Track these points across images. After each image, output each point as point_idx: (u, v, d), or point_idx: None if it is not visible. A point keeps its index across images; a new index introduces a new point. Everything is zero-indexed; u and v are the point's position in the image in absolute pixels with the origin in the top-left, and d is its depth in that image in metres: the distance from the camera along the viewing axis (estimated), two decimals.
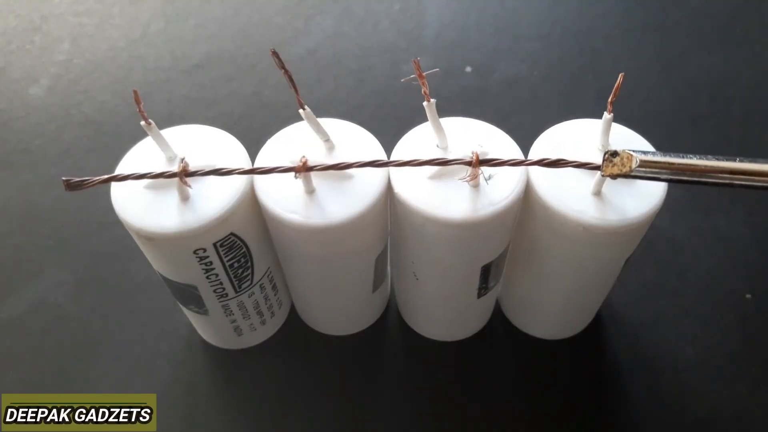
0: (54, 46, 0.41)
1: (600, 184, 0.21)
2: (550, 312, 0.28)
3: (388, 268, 0.28)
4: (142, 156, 0.22)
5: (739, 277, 0.31)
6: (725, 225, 0.33)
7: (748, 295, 0.31)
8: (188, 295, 0.24)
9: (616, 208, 0.21)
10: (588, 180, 0.21)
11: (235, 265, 0.23)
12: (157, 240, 0.20)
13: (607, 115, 0.21)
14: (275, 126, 0.23)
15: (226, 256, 0.22)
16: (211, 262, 0.22)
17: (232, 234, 0.21)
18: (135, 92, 0.20)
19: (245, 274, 0.24)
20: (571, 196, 0.21)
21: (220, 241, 0.21)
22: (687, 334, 0.30)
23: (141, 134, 0.22)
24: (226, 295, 0.24)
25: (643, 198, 0.21)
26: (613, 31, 0.42)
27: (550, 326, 0.29)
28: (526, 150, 0.23)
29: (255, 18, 0.43)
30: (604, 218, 0.21)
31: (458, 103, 0.38)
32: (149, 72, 0.40)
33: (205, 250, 0.21)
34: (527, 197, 0.22)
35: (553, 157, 0.20)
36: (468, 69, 0.40)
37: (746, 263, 0.32)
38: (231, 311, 0.25)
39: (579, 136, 0.23)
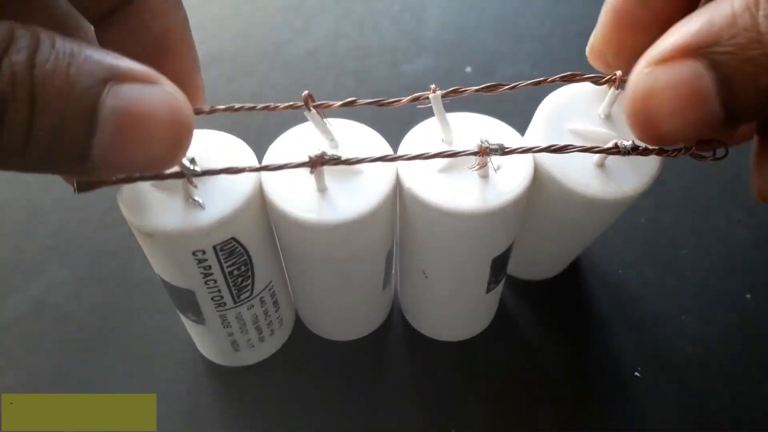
0: None
1: (603, 156, 0.21)
2: (541, 258, 0.30)
3: (394, 265, 0.28)
4: None
5: (739, 277, 0.31)
6: (725, 225, 0.33)
7: (748, 295, 0.31)
8: (186, 301, 0.24)
9: (618, 178, 0.21)
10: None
11: (235, 272, 0.22)
12: (156, 237, 0.20)
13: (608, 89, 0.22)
14: (275, 126, 0.23)
15: (226, 262, 0.22)
16: (209, 266, 0.21)
17: (233, 239, 0.21)
18: None
19: (245, 284, 0.23)
20: (576, 170, 0.22)
21: (220, 244, 0.21)
22: (687, 333, 0.30)
23: None
24: (224, 304, 0.24)
25: (642, 165, 0.22)
26: None
27: (537, 269, 0.31)
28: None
29: (255, 18, 0.43)
30: (607, 191, 0.21)
31: (458, 103, 0.38)
32: None
33: (204, 252, 0.21)
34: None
35: (560, 142, 0.20)
36: (468, 69, 0.40)
37: (746, 263, 0.32)
38: (229, 323, 0.25)
39: (581, 103, 0.23)
